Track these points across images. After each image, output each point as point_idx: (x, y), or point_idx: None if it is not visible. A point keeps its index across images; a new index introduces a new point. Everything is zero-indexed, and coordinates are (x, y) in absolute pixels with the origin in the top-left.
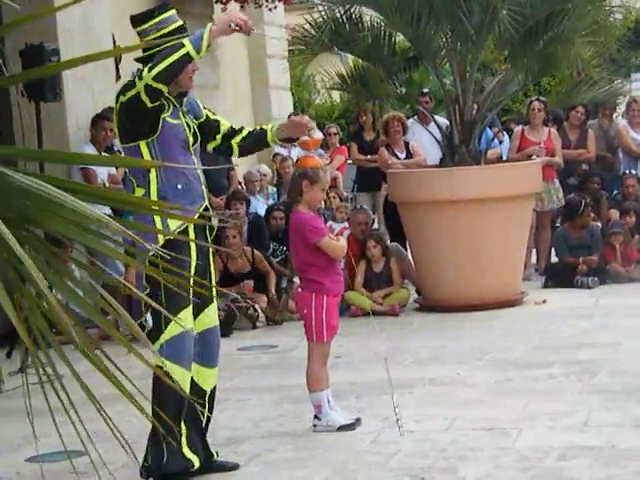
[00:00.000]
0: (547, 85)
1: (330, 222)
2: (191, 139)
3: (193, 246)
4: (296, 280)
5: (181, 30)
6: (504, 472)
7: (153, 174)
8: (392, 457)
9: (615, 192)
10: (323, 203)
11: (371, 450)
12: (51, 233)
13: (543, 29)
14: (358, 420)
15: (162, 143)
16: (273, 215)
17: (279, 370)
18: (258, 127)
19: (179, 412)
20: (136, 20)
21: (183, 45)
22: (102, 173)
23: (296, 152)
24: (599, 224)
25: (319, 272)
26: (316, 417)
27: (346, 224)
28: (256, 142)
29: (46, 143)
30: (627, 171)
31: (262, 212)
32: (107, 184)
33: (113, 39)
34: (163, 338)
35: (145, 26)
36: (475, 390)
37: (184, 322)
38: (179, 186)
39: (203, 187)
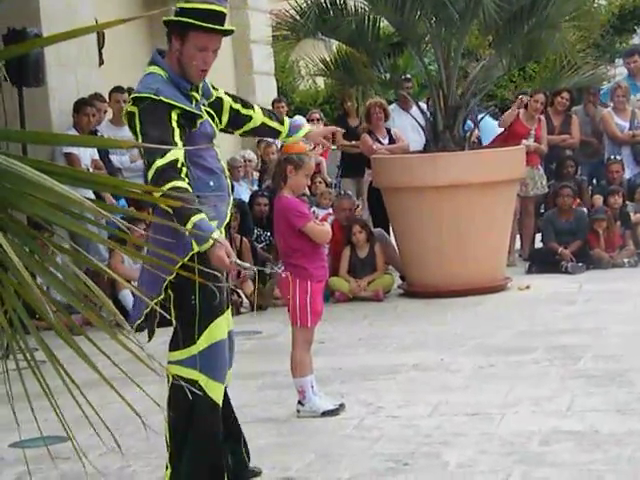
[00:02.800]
0: (532, 71)
1: (314, 208)
2: (216, 130)
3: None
4: (280, 267)
5: (211, 15)
6: (488, 457)
7: (184, 174)
8: (376, 442)
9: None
10: (307, 189)
11: (355, 435)
12: (32, 217)
13: (527, 14)
14: (342, 405)
15: (188, 139)
16: (257, 201)
17: (263, 356)
18: (270, 121)
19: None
20: None
21: (188, 219)
22: (86, 158)
23: None
24: (584, 209)
25: (303, 257)
26: (300, 402)
27: (330, 210)
28: (266, 134)
29: (29, 128)
30: (612, 157)
31: (246, 198)
32: (91, 170)
33: (96, 22)
34: (196, 349)
35: None
36: (459, 375)
37: (221, 329)
38: (211, 183)
39: (228, 180)
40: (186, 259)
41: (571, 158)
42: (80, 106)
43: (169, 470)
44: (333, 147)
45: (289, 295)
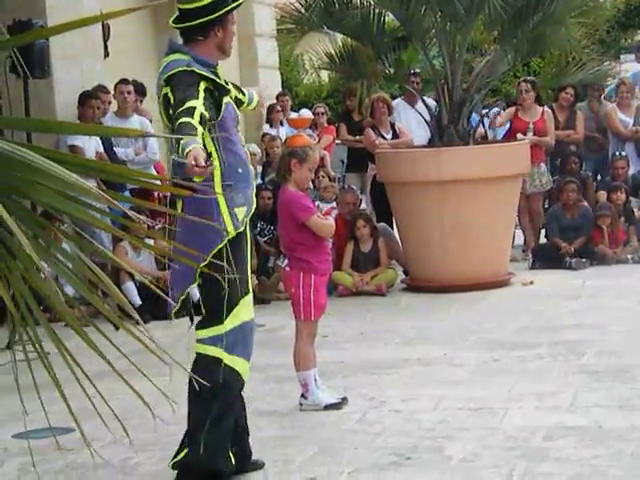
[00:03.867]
0: (536, 66)
1: (318, 202)
2: (239, 113)
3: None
4: (283, 261)
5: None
6: (490, 452)
7: (216, 160)
8: (378, 436)
9: (605, 176)
10: (311, 183)
11: (357, 429)
12: (37, 204)
13: (533, 10)
14: (344, 399)
15: (222, 126)
16: (261, 195)
17: (266, 349)
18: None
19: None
20: None
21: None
22: (90, 151)
23: (285, 131)
24: (585, 204)
25: (307, 251)
26: (303, 396)
27: (334, 204)
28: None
29: None
30: (617, 153)
31: None
32: None
33: (101, 13)
34: (223, 329)
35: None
36: (462, 370)
37: (248, 310)
38: (240, 170)
39: (251, 167)
40: (221, 245)
41: (575, 154)
42: (85, 98)
43: (185, 450)
44: (338, 141)
45: (293, 289)
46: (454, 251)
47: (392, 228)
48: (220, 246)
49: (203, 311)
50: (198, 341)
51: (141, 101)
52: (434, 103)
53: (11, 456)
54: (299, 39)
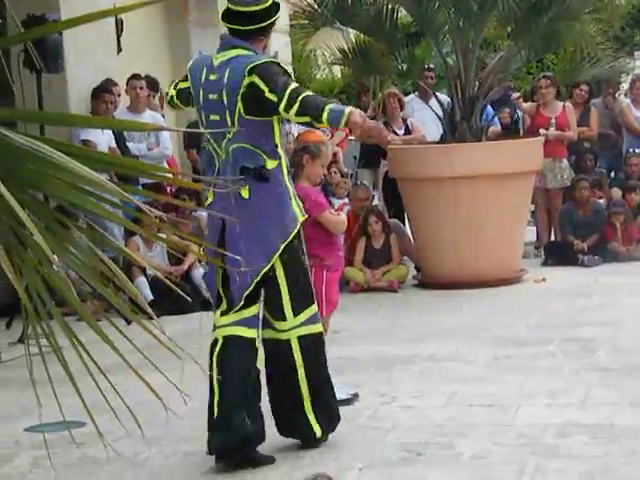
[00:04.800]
0: (550, 63)
1: (329, 198)
2: None
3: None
4: None
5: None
6: (502, 448)
7: (280, 150)
8: (389, 432)
9: (619, 173)
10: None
11: (369, 425)
12: (50, 197)
13: (547, 6)
14: (356, 395)
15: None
16: None
17: None
18: None
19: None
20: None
21: (323, 109)
22: (103, 146)
23: (297, 127)
24: (602, 202)
25: (319, 247)
26: None
27: (346, 200)
28: None
29: None
30: (631, 150)
31: None
32: None
33: (114, 7)
34: (316, 306)
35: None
36: (473, 367)
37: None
38: (287, 163)
39: None
40: (296, 230)
41: (590, 151)
42: (98, 93)
43: (311, 416)
44: (351, 137)
45: None
46: (466, 247)
47: (404, 224)
48: (295, 231)
49: (288, 299)
50: (295, 327)
51: (154, 96)
52: (447, 99)
53: (23, 450)
54: (312, 34)
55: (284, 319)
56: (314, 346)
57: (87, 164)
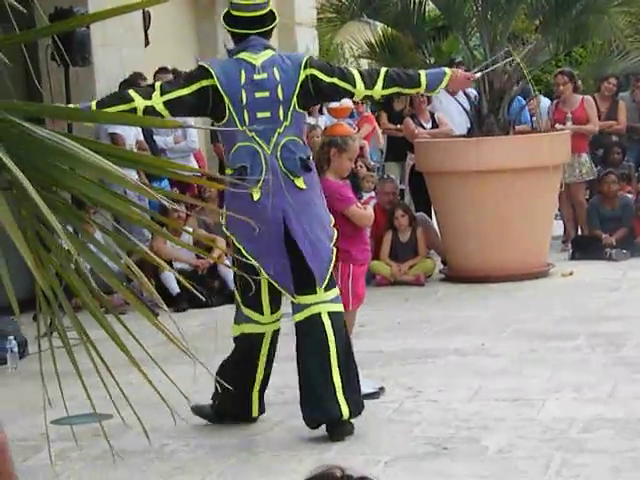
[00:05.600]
0: (578, 56)
1: (359, 192)
2: None
3: None
4: None
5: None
6: (527, 442)
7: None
8: (415, 426)
9: None
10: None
11: (394, 419)
12: (74, 194)
13: None
14: (382, 389)
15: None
16: None
17: None
18: None
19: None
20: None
21: (418, 75)
22: (130, 139)
23: (324, 120)
24: (627, 195)
25: (346, 241)
26: None
27: (373, 194)
28: None
29: None
30: None
31: None
32: (135, 150)
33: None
34: (332, 293)
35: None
36: (499, 360)
37: None
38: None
39: None
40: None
41: (618, 144)
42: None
43: (341, 395)
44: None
45: None
46: (493, 241)
47: (430, 218)
48: (332, 221)
49: (324, 281)
50: (327, 302)
51: None
52: (474, 92)
53: (49, 442)
54: (339, 28)
55: (314, 292)
56: (342, 325)
57: (113, 161)
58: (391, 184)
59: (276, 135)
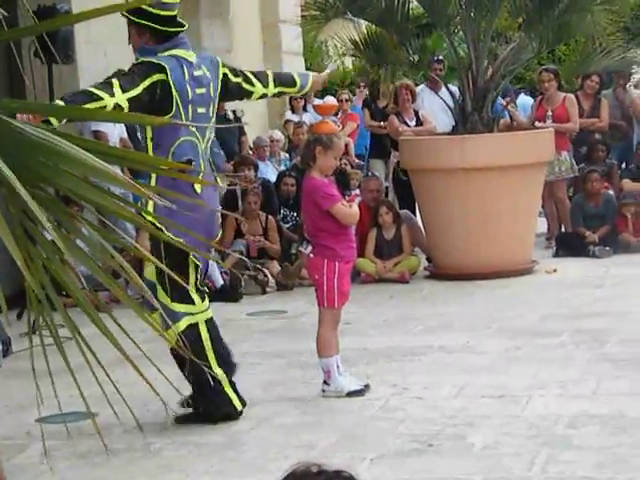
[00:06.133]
0: (561, 54)
1: (344, 190)
2: None
3: None
4: (306, 247)
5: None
6: (513, 439)
7: None
8: (400, 423)
9: (630, 164)
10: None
11: (380, 416)
12: (62, 190)
13: None
14: (367, 386)
15: None
16: (284, 181)
17: (288, 335)
18: None
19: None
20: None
21: (295, 79)
22: (114, 136)
23: (309, 117)
24: (611, 192)
25: (331, 238)
26: (325, 382)
27: (357, 191)
28: None
29: None
30: None
31: (272, 178)
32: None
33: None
34: None
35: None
36: (484, 358)
37: None
38: None
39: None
40: None
41: (602, 142)
42: None
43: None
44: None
45: (316, 275)
46: (477, 238)
47: (415, 215)
48: None
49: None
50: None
51: None
52: (456, 90)
53: (34, 440)
54: (323, 25)
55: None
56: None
57: (100, 158)
58: (376, 181)
59: (208, 131)
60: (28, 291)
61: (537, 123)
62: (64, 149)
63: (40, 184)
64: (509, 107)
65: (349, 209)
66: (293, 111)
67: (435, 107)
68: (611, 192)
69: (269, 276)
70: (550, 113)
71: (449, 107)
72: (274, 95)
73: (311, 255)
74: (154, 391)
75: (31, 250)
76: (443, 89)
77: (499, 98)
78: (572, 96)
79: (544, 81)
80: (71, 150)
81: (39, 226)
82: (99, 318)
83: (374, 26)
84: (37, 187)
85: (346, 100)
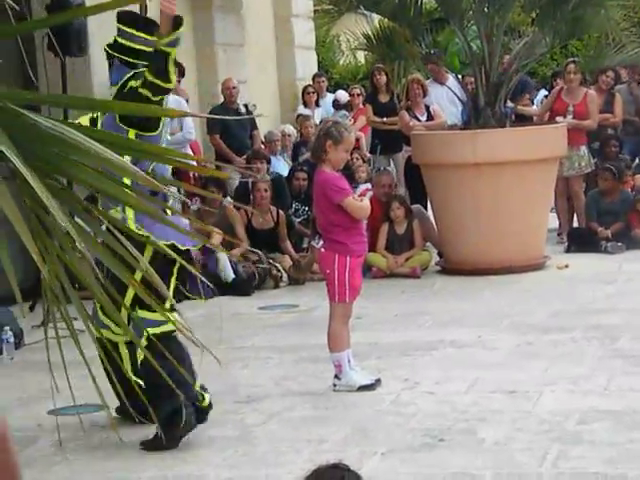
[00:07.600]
0: (574, 49)
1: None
2: None
3: None
4: (318, 242)
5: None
6: (524, 435)
7: None
8: (412, 418)
9: None
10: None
11: (391, 410)
12: (74, 181)
13: None
14: (378, 380)
15: None
16: (296, 175)
17: (300, 329)
18: None
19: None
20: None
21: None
22: None
23: (320, 112)
24: (627, 189)
25: (343, 232)
26: (336, 377)
27: (369, 185)
28: None
29: None
30: None
31: (284, 172)
32: None
33: None
34: None
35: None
36: (496, 353)
37: None
38: None
39: None
40: None
41: (615, 137)
42: None
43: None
44: None
45: (328, 270)
46: (489, 234)
47: (427, 210)
48: None
49: None
50: None
51: (179, 81)
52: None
53: (45, 432)
54: (336, 20)
55: None
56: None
57: (112, 150)
58: (388, 176)
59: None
60: (43, 283)
61: (558, 118)
62: (78, 141)
63: (54, 175)
64: (518, 107)
65: (361, 203)
66: (306, 105)
67: (442, 99)
68: (628, 189)
69: (282, 271)
70: (571, 108)
71: (457, 96)
72: None
73: (322, 249)
74: (168, 383)
75: (46, 242)
76: (450, 80)
77: (509, 102)
78: (593, 93)
79: (570, 72)
80: (84, 142)
81: (54, 218)
82: (117, 313)
83: (387, 20)
84: (51, 178)
85: (358, 95)
